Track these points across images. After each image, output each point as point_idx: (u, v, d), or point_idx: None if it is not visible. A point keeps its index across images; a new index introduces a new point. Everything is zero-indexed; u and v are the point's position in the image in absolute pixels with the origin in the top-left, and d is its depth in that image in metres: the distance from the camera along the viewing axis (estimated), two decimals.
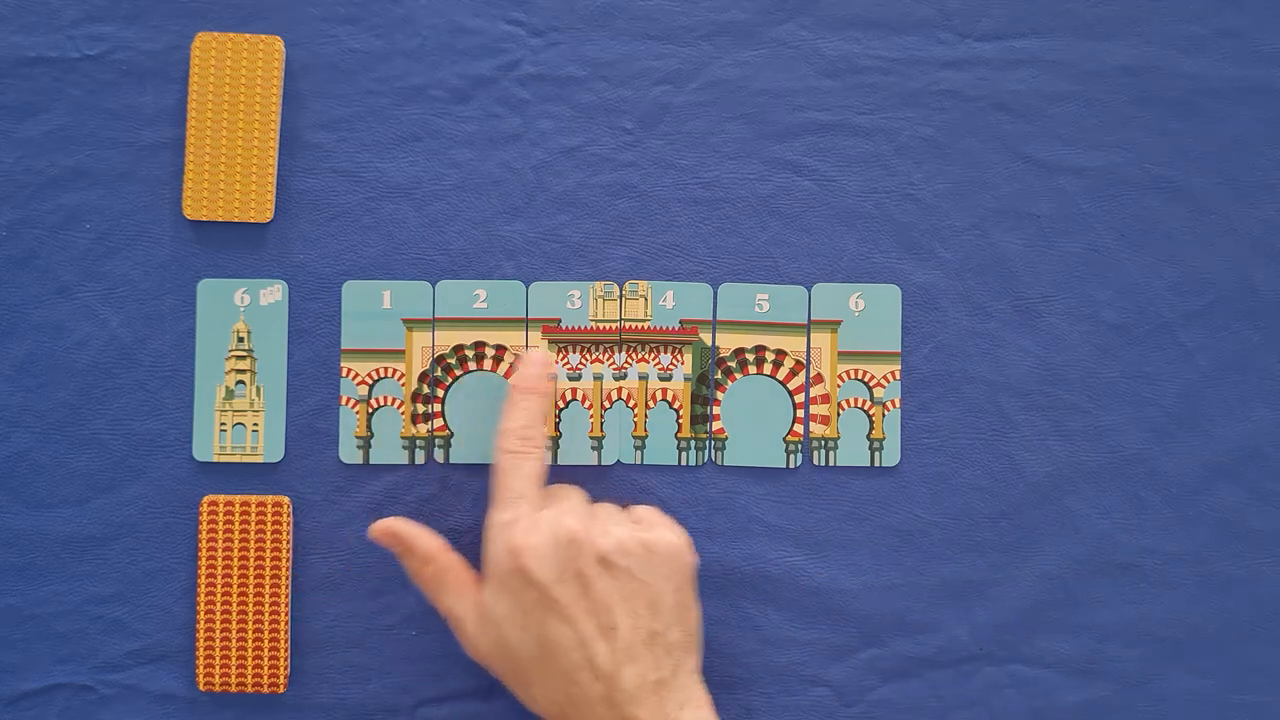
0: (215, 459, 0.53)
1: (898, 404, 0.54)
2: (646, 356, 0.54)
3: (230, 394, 0.53)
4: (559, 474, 0.53)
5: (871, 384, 0.54)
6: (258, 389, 0.53)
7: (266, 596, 0.52)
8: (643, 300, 0.54)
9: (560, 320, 0.53)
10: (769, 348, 0.54)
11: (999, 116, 0.54)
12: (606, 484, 0.53)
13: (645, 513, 0.49)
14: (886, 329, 0.54)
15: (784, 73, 0.54)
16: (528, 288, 0.53)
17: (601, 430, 0.53)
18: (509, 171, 0.54)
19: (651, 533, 0.47)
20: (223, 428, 0.53)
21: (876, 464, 0.54)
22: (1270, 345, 0.54)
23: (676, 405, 0.54)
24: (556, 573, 0.45)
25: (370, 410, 0.53)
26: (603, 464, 0.54)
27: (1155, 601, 0.54)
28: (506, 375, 0.53)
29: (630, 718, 0.45)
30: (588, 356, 0.54)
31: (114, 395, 0.53)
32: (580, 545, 0.46)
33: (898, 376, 0.54)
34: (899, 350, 0.54)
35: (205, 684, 0.52)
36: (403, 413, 0.53)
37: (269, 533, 0.52)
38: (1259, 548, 0.54)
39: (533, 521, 0.46)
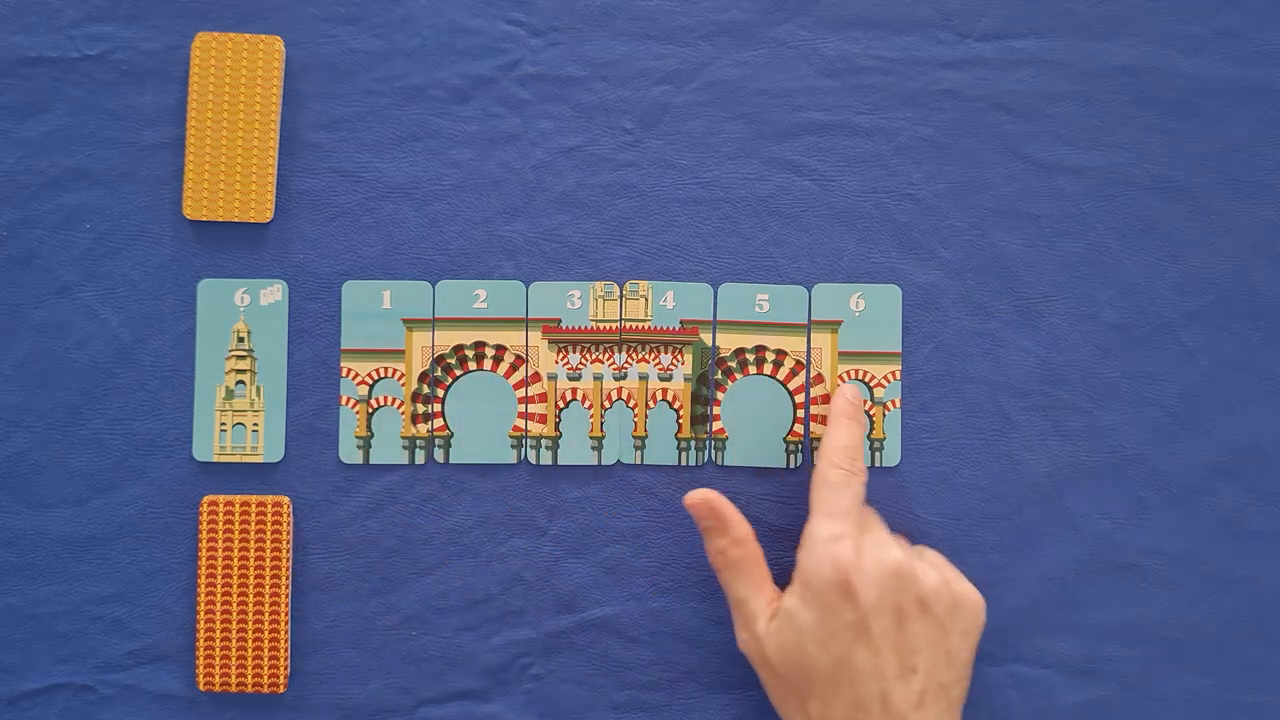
0: (215, 459, 0.53)
1: (898, 404, 0.54)
2: (646, 356, 0.54)
3: (230, 394, 0.53)
4: (559, 474, 0.53)
5: (872, 384, 0.54)
6: (258, 389, 0.53)
7: (266, 596, 0.52)
8: (643, 300, 0.54)
9: (560, 320, 0.53)
10: (769, 348, 0.54)
11: (999, 116, 0.54)
12: (606, 484, 0.53)
13: (937, 559, 0.50)
14: (887, 329, 0.54)
15: (784, 73, 0.54)
16: (528, 288, 0.53)
17: (601, 430, 0.53)
18: (509, 171, 0.54)
19: (960, 585, 0.48)
20: (223, 428, 0.53)
21: (877, 464, 0.54)
22: (1271, 345, 0.54)
23: (676, 405, 0.54)
24: (877, 600, 0.46)
25: (370, 410, 0.53)
26: (603, 464, 0.54)
27: (1155, 601, 0.54)
28: (506, 375, 0.53)
29: None
30: (588, 356, 0.54)
31: (114, 395, 0.53)
32: (905, 580, 0.46)
33: (898, 377, 0.54)
34: (899, 351, 0.54)
35: (205, 684, 0.52)
36: (403, 413, 0.53)
37: (269, 533, 0.52)
38: (1259, 548, 0.54)
39: (859, 544, 0.47)
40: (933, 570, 0.48)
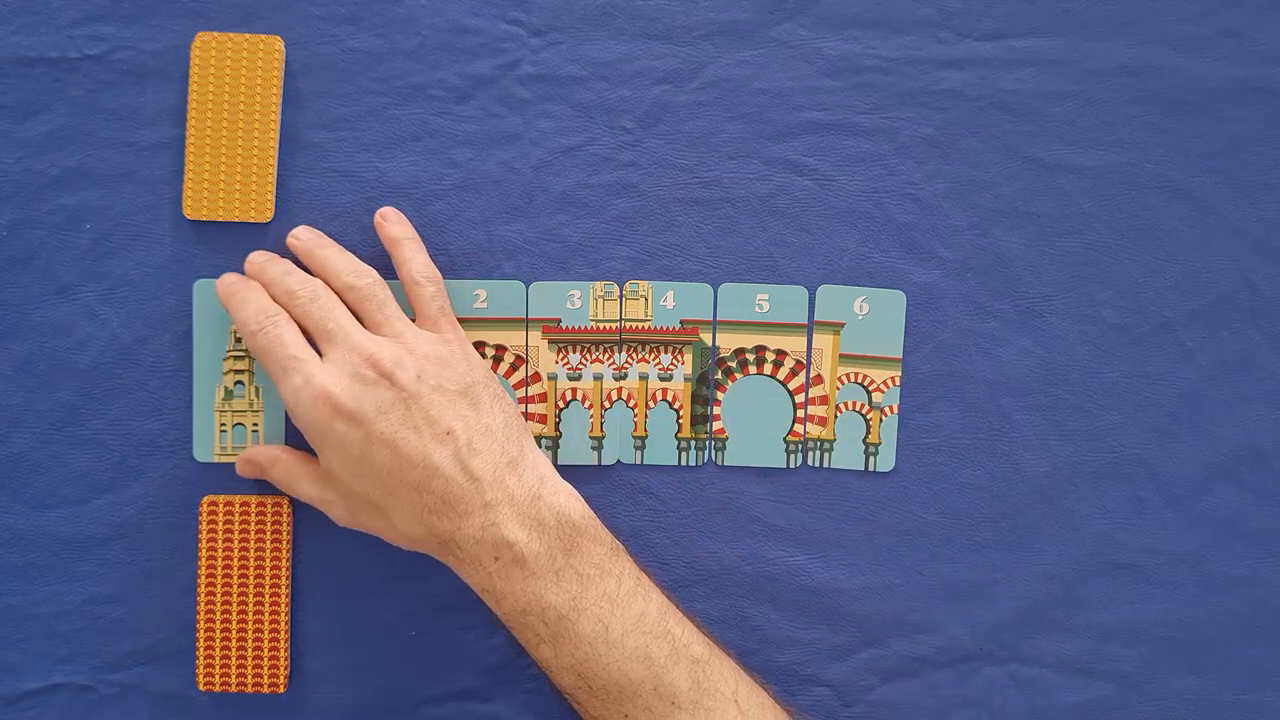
0: (215, 459, 0.53)
1: (895, 410, 0.54)
2: (646, 356, 0.54)
3: (229, 394, 0.53)
4: (559, 473, 0.53)
5: (870, 388, 0.54)
6: (256, 389, 0.53)
7: (266, 596, 0.52)
8: (643, 300, 0.54)
9: (560, 320, 0.53)
10: (769, 348, 0.54)
11: (999, 116, 0.54)
12: (606, 484, 0.53)
13: (403, 327, 0.49)
14: (889, 334, 0.54)
15: (784, 73, 0.54)
16: (528, 288, 0.53)
17: (601, 430, 0.53)
18: (509, 171, 0.54)
19: (439, 346, 0.48)
20: (222, 428, 0.53)
21: (871, 469, 0.54)
22: (1271, 345, 0.54)
23: (676, 405, 0.54)
24: (373, 405, 0.46)
25: None
26: (603, 464, 0.54)
27: (1155, 601, 0.54)
28: (506, 375, 0.53)
29: (493, 501, 0.46)
30: (588, 356, 0.54)
31: (114, 395, 0.53)
32: (380, 367, 0.46)
33: (897, 382, 0.54)
34: (900, 356, 0.54)
35: (205, 684, 0.52)
36: None
37: (269, 533, 0.52)
38: (1259, 548, 0.54)
39: (322, 368, 0.47)
40: (406, 351, 0.48)
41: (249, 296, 0.49)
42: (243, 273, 0.51)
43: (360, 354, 0.47)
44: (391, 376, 0.46)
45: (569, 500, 0.48)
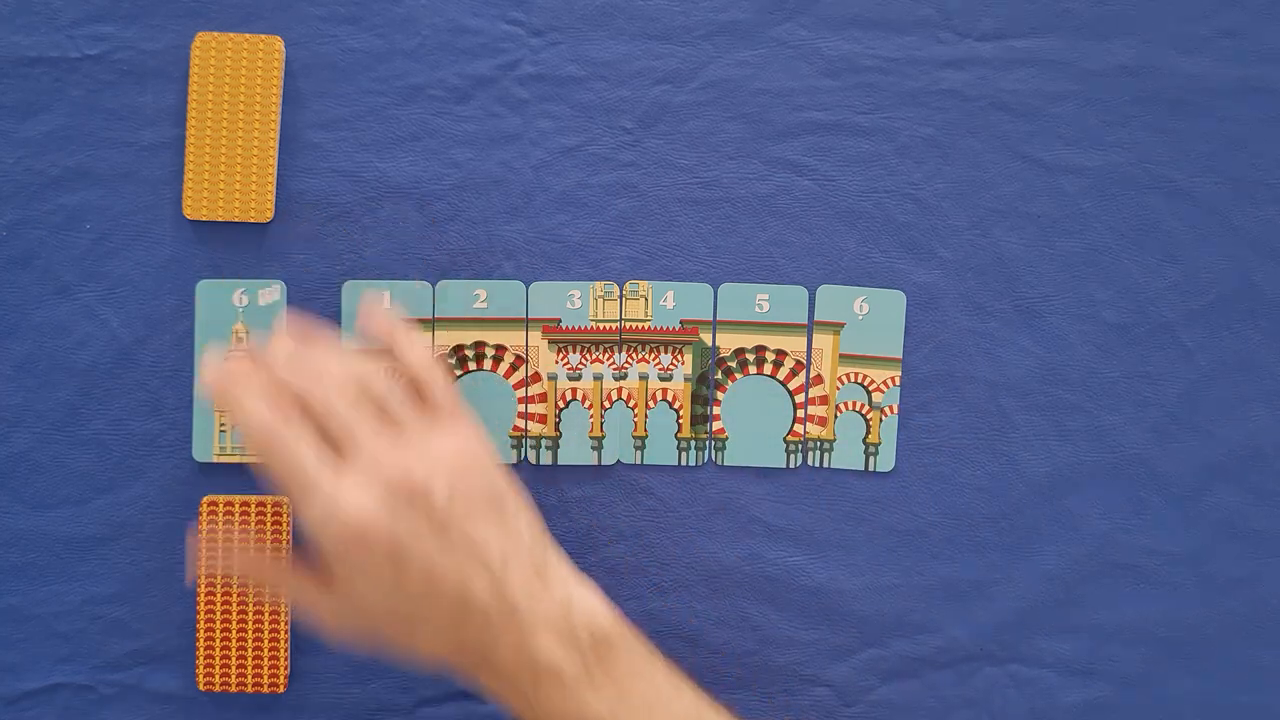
0: (215, 459, 0.53)
1: (895, 410, 0.54)
2: (646, 356, 0.54)
3: None
4: (559, 474, 0.53)
5: (870, 388, 0.54)
6: None
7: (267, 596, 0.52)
8: (643, 300, 0.54)
9: (560, 320, 0.53)
10: (769, 348, 0.54)
11: (999, 116, 0.54)
12: (606, 484, 0.53)
13: (424, 430, 0.45)
14: (889, 334, 0.54)
15: (784, 73, 0.54)
16: (528, 288, 0.53)
17: (601, 430, 0.53)
18: (509, 171, 0.54)
19: (464, 447, 0.45)
20: (222, 428, 0.53)
21: (870, 469, 0.54)
22: (1270, 345, 0.54)
23: (676, 405, 0.54)
24: (407, 534, 0.42)
25: None
26: (603, 464, 0.54)
27: (1155, 601, 0.54)
28: (506, 375, 0.53)
29: (529, 625, 0.44)
30: (588, 356, 0.54)
31: (114, 395, 0.52)
32: (412, 487, 0.42)
33: (897, 383, 0.54)
34: (900, 356, 0.54)
35: (205, 684, 0.52)
36: None
37: (269, 533, 0.52)
38: (1259, 548, 0.54)
39: (348, 492, 0.42)
40: (427, 459, 0.44)
41: (250, 405, 0.43)
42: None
43: (388, 472, 0.42)
44: (425, 497, 0.42)
45: (596, 605, 0.46)
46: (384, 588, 0.43)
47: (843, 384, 0.54)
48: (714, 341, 0.54)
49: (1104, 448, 0.54)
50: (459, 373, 0.53)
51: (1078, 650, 0.54)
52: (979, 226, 0.54)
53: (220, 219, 0.52)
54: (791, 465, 0.54)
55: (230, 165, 0.52)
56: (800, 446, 0.54)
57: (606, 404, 0.54)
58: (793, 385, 0.54)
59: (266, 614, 0.52)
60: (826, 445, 0.54)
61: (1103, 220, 0.54)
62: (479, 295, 0.53)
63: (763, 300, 0.54)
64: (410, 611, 0.43)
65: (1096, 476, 0.54)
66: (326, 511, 0.42)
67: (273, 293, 0.53)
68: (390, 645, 0.45)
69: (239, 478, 0.52)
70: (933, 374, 0.54)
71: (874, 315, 0.54)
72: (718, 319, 0.54)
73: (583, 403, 0.54)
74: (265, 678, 0.52)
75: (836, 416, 0.54)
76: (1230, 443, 0.54)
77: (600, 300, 0.53)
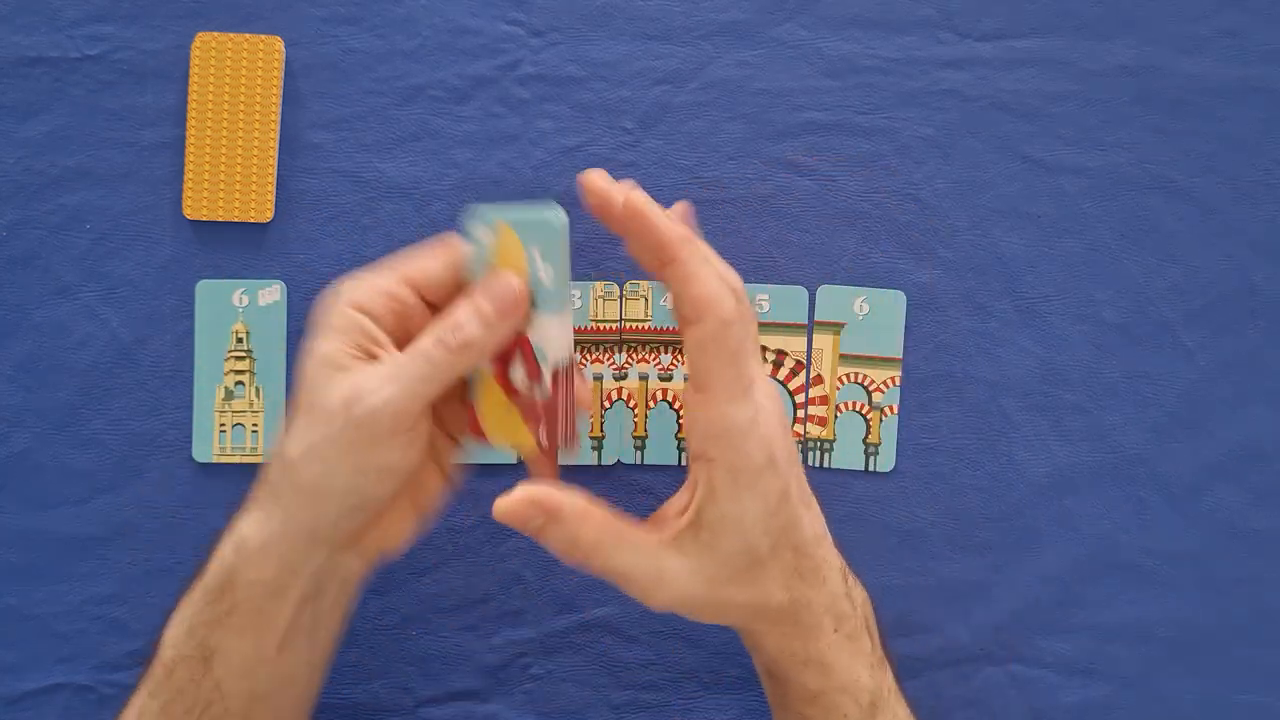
0: (215, 459, 0.53)
1: (895, 410, 0.54)
2: (647, 356, 0.54)
3: (230, 394, 0.53)
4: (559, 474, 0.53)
5: (870, 388, 0.54)
6: (257, 389, 0.53)
7: None
8: (643, 300, 0.54)
9: None
10: (769, 348, 0.54)
11: (999, 116, 0.54)
12: (606, 484, 0.53)
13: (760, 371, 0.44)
14: (889, 334, 0.54)
15: (784, 73, 0.54)
16: None
17: (601, 430, 0.53)
18: (509, 171, 0.54)
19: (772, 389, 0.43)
20: (222, 428, 0.53)
21: (871, 469, 0.54)
22: (1270, 345, 0.54)
23: (677, 405, 0.54)
24: (791, 456, 0.42)
25: None
26: (603, 464, 0.54)
27: (1155, 601, 0.54)
28: None
29: (833, 569, 0.44)
30: (588, 357, 0.54)
31: (114, 395, 0.53)
32: (785, 419, 0.42)
33: (897, 382, 0.54)
34: (900, 356, 0.54)
35: None
36: None
37: None
38: (1259, 548, 0.54)
39: (762, 409, 0.41)
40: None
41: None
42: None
43: (778, 398, 0.42)
44: (790, 431, 0.43)
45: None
46: (768, 514, 0.41)
47: (843, 384, 0.54)
48: None
49: (1104, 448, 0.54)
50: None
51: (1078, 650, 0.54)
52: (979, 226, 0.54)
53: (220, 219, 0.52)
54: None
55: (230, 165, 0.52)
56: (800, 446, 0.54)
57: (606, 404, 0.54)
58: (793, 385, 0.54)
59: None
60: (826, 445, 0.54)
61: (1103, 220, 0.54)
62: None
63: (763, 300, 0.54)
64: (774, 545, 0.41)
65: (1096, 476, 0.54)
66: (761, 410, 0.41)
67: (273, 293, 0.53)
68: (722, 600, 0.42)
69: (239, 478, 0.52)
70: (933, 374, 0.54)
71: (874, 315, 0.54)
72: None
73: None
74: None
75: (836, 416, 0.54)
76: (1230, 443, 0.54)
77: (600, 300, 0.53)
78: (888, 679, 0.45)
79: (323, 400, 0.40)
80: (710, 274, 0.41)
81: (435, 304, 0.44)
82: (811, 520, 0.43)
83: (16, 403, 0.52)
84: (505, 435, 0.43)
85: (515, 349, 0.42)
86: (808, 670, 0.43)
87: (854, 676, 0.44)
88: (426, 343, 0.41)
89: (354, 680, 0.53)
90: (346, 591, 0.44)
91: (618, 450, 0.53)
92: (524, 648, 0.53)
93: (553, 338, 0.42)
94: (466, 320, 0.41)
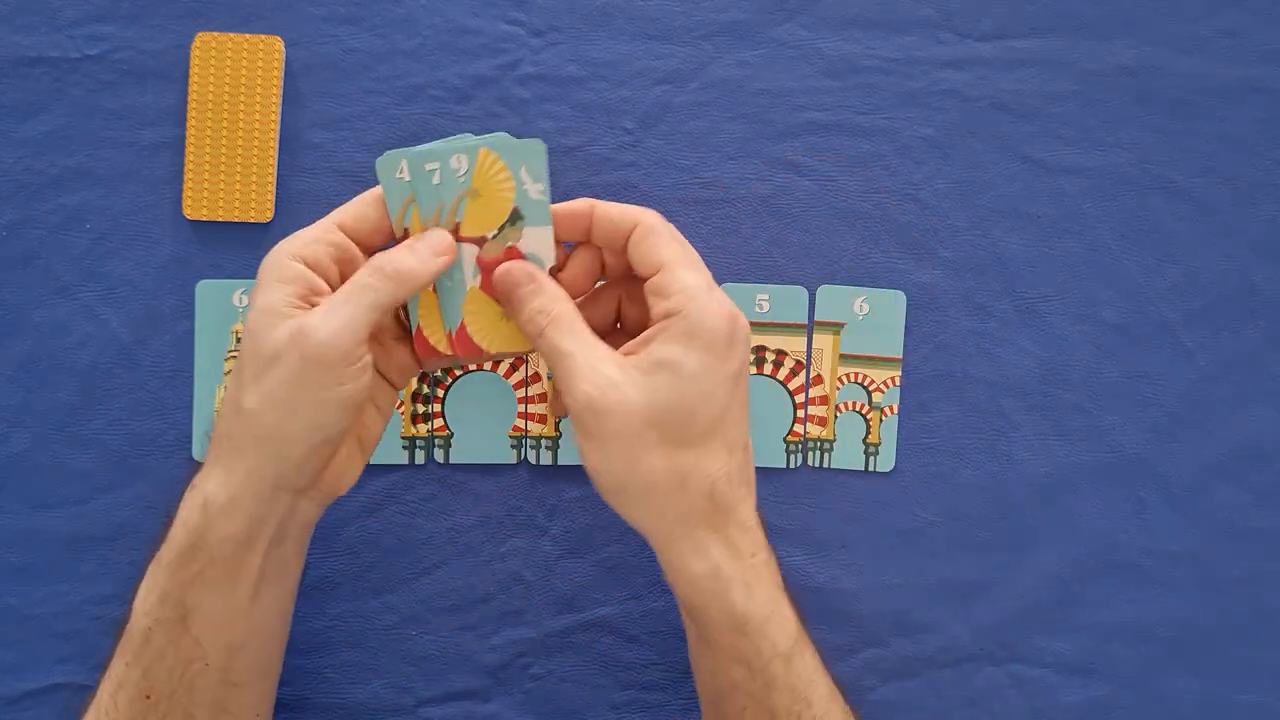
0: None
1: (895, 410, 0.54)
2: None
3: None
4: (559, 474, 0.53)
5: (870, 388, 0.54)
6: None
7: None
8: None
9: None
10: (769, 348, 0.54)
11: (999, 116, 0.54)
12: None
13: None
14: (889, 334, 0.54)
15: (784, 73, 0.54)
16: None
17: None
18: None
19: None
20: None
21: (871, 469, 0.54)
22: (1270, 345, 0.54)
23: None
24: (746, 352, 0.44)
25: None
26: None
27: (1155, 601, 0.54)
28: (506, 375, 0.53)
29: (752, 490, 0.45)
30: None
31: (114, 395, 0.52)
32: (748, 331, 0.44)
33: (897, 382, 0.54)
34: (900, 356, 0.54)
35: None
36: (402, 413, 0.53)
37: None
38: (1259, 548, 0.54)
39: (720, 293, 0.44)
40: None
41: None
42: None
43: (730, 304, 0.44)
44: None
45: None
46: (705, 387, 0.42)
47: (843, 384, 0.54)
48: None
49: (1104, 448, 0.54)
50: (458, 373, 0.53)
51: (1078, 650, 0.54)
52: (979, 226, 0.54)
53: (220, 219, 0.52)
54: (791, 465, 0.54)
55: (230, 165, 0.52)
56: (800, 446, 0.54)
57: None
58: (793, 385, 0.54)
59: None
60: (826, 445, 0.54)
61: (1103, 220, 0.54)
62: None
63: (763, 300, 0.54)
64: (698, 422, 0.42)
65: (1096, 476, 0.54)
66: (710, 283, 0.43)
67: None
68: (626, 449, 0.42)
69: None
70: (933, 374, 0.54)
71: (874, 315, 0.54)
72: None
73: None
74: None
75: (836, 416, 0.54)
76: (1230, 443, 0.54)
77: None
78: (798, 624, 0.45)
79: (271, 346, 0.41)
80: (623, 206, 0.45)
81: (371, 250, 0.45)
82: (746, 454, 0.44)
83: (16, 403, 0.52)
84: (502, 343, 0.46)
85: (505, 261, 0.45)
86: (735, 587, 0.43)
87: (778, 606, 0.44)
88: (362, 274, 0.43)
89: (354, 680, 0.53)
90: (304, 536, 0.45)
91: None
92: (524, 648, 0.53)
93: (543, 246, 0.45)
94: (400, 254, 0.43)
